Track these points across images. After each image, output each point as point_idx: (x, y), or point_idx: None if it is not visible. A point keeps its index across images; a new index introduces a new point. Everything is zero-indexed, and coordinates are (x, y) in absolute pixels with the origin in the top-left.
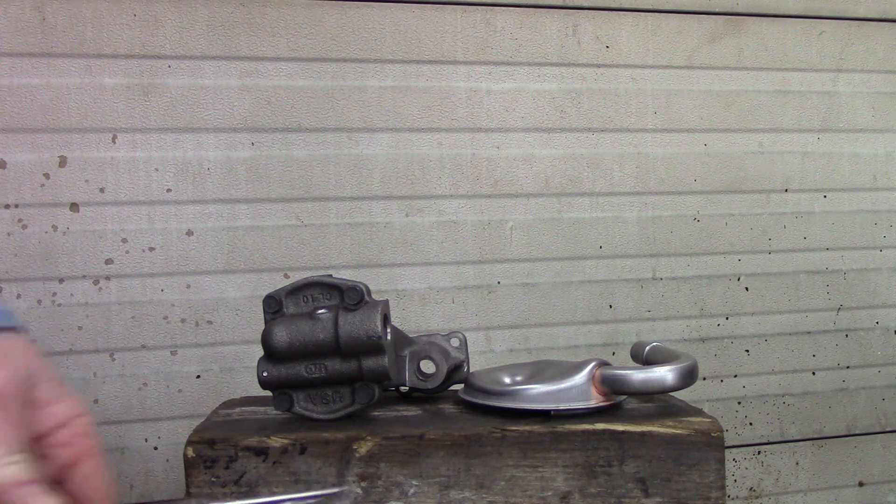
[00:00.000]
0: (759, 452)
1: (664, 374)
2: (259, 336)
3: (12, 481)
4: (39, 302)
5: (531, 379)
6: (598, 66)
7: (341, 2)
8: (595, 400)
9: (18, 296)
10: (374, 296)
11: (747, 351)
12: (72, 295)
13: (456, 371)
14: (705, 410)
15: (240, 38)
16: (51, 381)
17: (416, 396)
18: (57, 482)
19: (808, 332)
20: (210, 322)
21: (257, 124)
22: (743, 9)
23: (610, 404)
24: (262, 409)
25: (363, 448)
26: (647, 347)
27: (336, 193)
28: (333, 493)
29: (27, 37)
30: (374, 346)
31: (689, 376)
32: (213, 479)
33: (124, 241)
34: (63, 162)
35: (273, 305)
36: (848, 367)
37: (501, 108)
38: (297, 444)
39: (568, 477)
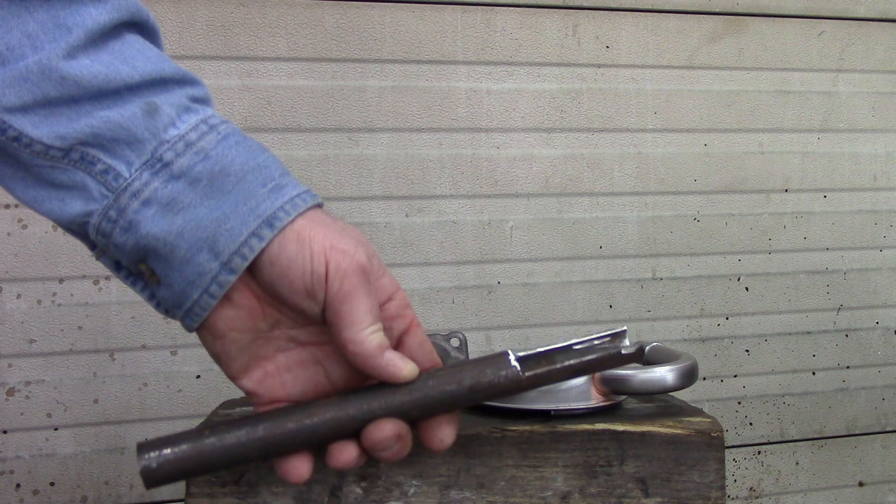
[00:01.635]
0: (759, 452)
1: (664, 374)
2: None
3: (380, 346)
4: (39, 302)
5: None
6: (598, 66)
7: (341, 2)
8: (595, 400)
9: (18, 296)
10: None
11: (747, 351)
12: (72, 295)
13: None
14: (705, 410)
15: (240, 38)
16: (376, 254)
17: None
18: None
19: (808, 332)
20: None
21: (257, 124)
22: (743, 9)
23: (610, 404)
24: None
25: None
26: (647, 347)
27: (336, 193)
28: (618, 332)
29: None
30: None
31: (689, 376)
32: (212, 478)
33: None
34: None
35: None
36: (848, 367)
37: (501, 108)
38: None
39: (568, 477)
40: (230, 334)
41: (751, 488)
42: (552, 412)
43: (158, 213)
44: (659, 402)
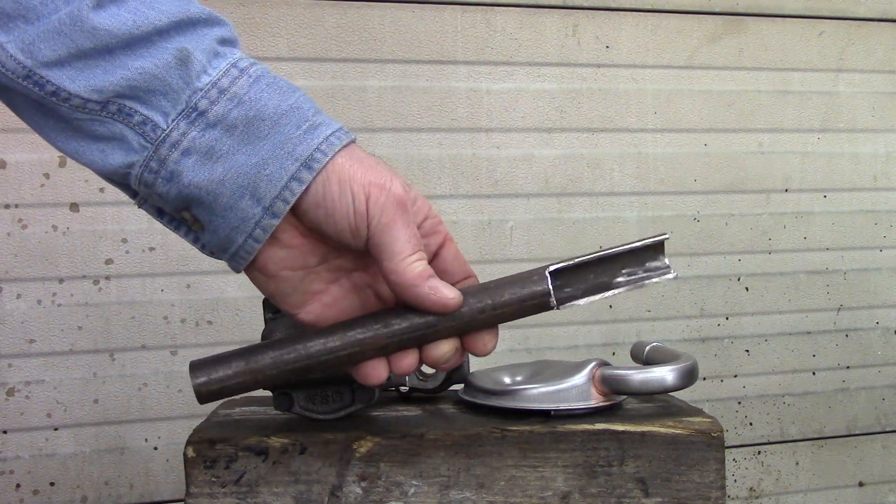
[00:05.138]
0: (759, 452)
1: (664, 374)
2: (259, 336)
3: (421, 274)
4: (39, 302)
5: (531, 379)
6: (598, 66)
7: (341, 2)
8: (595, 400)
9: (18, 296)
10: None
11: (747, 351)
12: (72, 295)
13: (456, 371)
14: (705, 410)
15: (240, 38)
16: (408, 183)
17: (416, 396)
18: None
19: (808, 332)
20: (210, 322)
21: None
22: (743, 9)
23: (610, 404)
24: (262, 409)
25: (363, 448)
26: (647, 347)
27: None
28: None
29: None
30: None
31: (689, 376)
32: (213, 479)
33: (124, 241)
34: (63, 162)
35: (273, 306)
36: (848, 367)
37: (501, 108)
38: (297, 444)
39: (568, 477)
40: (282, 273)
41: (751, 488)
42: (552, 412)
43: (198, 162)
44: (659, 402)
